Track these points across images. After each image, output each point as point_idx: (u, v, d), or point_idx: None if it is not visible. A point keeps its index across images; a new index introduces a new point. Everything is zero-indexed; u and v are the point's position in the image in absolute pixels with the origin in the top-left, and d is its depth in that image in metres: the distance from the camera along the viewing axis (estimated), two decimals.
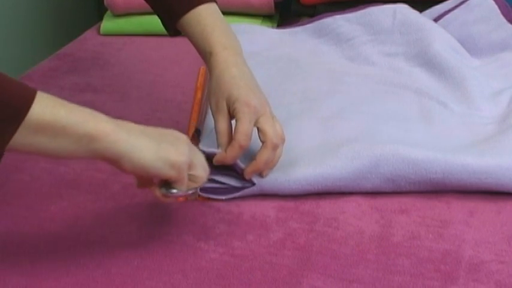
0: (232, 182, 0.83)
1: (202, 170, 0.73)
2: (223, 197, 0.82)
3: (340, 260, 0.72)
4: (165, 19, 0.91)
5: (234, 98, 0.80)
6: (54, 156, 0.66)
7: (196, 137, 0.86)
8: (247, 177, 0.81)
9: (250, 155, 0.81)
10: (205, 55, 0.86)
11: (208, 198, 0.83)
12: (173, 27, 0.90)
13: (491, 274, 0.70)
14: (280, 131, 0.81)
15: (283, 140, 0.82)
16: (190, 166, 0.71)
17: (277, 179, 0.81)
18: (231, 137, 0.80)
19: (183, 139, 0.72)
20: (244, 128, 0.78)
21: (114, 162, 0.67)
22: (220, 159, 0.80)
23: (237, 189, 0.82)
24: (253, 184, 0.81)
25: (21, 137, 0.62)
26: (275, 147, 0.80)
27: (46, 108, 0.62)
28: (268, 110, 0.82)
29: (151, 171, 0.69)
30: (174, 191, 0.72)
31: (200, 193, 0.82)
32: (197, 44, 0.87)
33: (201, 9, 0.87)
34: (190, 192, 0.73)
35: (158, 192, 0.72)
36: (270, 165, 0.81)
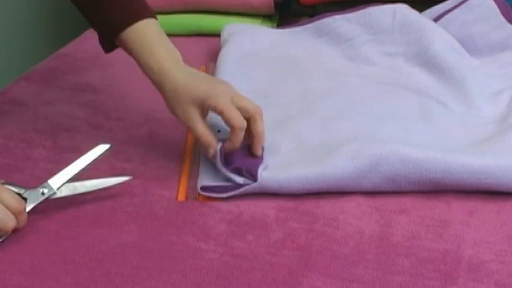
0: (235, 179, 0.83)
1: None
2: (224, 195, 0.82)
3: (340, 260, 0.72)
4: (104, 33, 0.91)
5: (202, 97, 0.82)
6: None
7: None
8: (257, 153, 0.83)
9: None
10: (149, 70, 0.88)
11: (209, 198, 0.83)
12: (112, 42, 0.90)
13: (491, 274, 0.70)
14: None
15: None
16: None
17: (278, 177, 0.81)
18: (212, 134, 0.83)
19: None
20: (234, 113, 0.81)
21: None
22: (230, 147, 0.83)
23: (238, 186, 0.82)
24: (255, 180, 0.81)
25: None
26: (261, 116, 0.83)
27: None
28: (234, 89, 0.85)
29: None
30: None
31: (200, 192, 0.83)
32: (139, 60, 0.88)
33: (139, 24, 0.88)
34: None
35: None
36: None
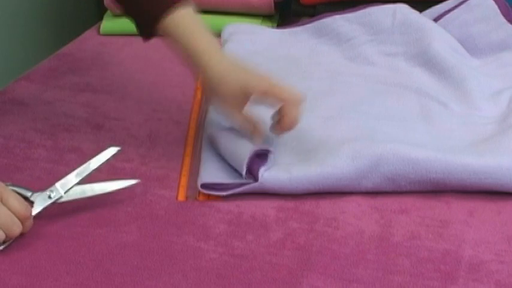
0: (235, 180, 0.83)
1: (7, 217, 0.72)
2: (224, 193, 0.82)
3: (340, 260, 0.72)
4: (142, 22, 0.91)
5: (243, 85, 0.84)
6: None
7: None
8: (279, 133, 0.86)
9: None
10: (189, 61, 0.88)
11: (209, 197, 0.83)
12: (151, 30, 0.90)
13: (491, 274, 0.70)
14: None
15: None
16: None
17: (278, 177, 0.81)
18: (256, 120, 0.86)
19: None
20: (280, 88, 0.84)
21: None
22: (287, 124, 0.85)
23: (238, 185, 0.82)
24: (256, 180, 0.81)
25: None
26: (300, 102, 0.85)
27: None
28: (272, 79, 0.86)
29: None
30: None
31: (201, 189, 0.83)
32: (178, 51, 0.88)
33: (176, 15, 0.87)
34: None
35: None
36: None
